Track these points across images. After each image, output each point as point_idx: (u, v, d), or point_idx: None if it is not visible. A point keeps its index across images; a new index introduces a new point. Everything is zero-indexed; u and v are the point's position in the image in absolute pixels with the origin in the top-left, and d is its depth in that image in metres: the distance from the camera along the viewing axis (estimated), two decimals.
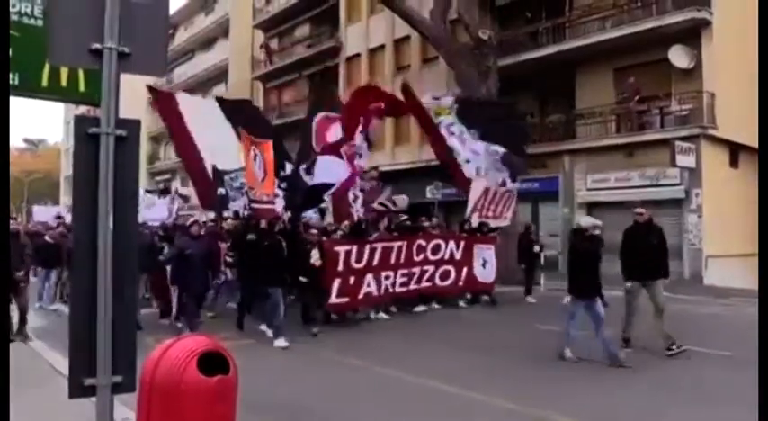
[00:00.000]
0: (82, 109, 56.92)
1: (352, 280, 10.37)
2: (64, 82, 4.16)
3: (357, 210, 11.50)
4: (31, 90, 4.07)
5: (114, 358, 2.35)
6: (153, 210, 16.79)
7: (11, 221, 9.02)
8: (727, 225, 16.76)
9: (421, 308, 11.82)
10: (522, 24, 21.54)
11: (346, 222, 11.50)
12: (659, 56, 17.20)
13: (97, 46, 2.42)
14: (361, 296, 10.64)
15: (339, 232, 11.18)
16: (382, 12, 24.54)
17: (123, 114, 2.54)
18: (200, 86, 40.68)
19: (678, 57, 17.07)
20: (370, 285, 10.70)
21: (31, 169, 66.47)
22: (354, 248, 10.51)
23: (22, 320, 9.02)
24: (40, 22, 4.13)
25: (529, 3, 21.11)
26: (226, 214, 13.37)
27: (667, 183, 17.01)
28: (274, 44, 34.69)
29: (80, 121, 2.43)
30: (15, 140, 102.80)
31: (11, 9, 4.04)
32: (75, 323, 2.40)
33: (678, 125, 17.16)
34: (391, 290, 11.18)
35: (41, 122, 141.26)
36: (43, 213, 22.21)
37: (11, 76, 3.99)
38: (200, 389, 3.29)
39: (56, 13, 2.45)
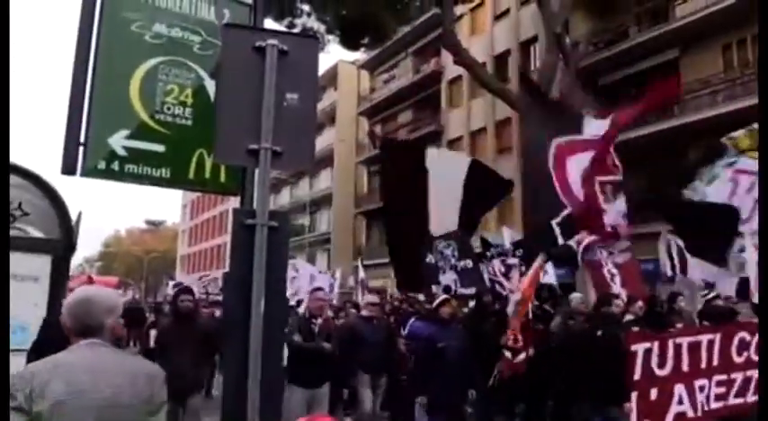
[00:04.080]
0: (197, 194, 60.72)
1: (654, 394, 6.64)
2: (207, 174, 4.60)
3: (618, 291, 8.75)
4: (181, 182, 4.52)
5: None
6: (315, 284, 16.19)
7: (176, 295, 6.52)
8: None
9: None
10: (627, 101, 21.30)
11: (640, 303, 8.45)
12: None
13: (254, 146, 2.71)
14: (670, 418, 6.84)
15: (628, 317, 7.66)
16: (483, 95, 25.15)
17: None
18: (307, 170, 42.80)
19: None
20: (682, 401, 6.88)
21: (150, 249, 71.41)
22: (656, 345, 6.68)
23: None
24: (189, 122, 4.62)
25: (634, 80, 20.94)
26: (434, 289, 10.00)
27: None
28: (378, 130, 36.18)
29: (238, 214, 2.69)
30: (138, 222, 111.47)
31: (166, 111, 4.57)
32: (226, 401, 2.57)
33: None
34: (707, 407, 7.22)
35: (162, 205, 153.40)
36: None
37: (163, 169, 4.47)
38: None
39: (221, 119, 2.77)
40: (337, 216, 38.34)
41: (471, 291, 9.22)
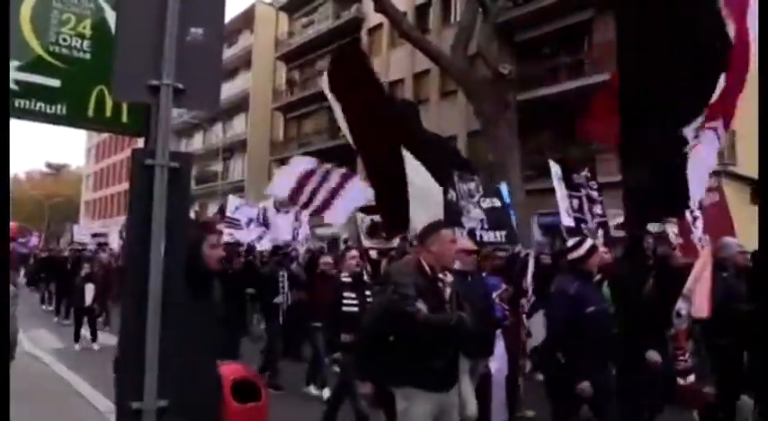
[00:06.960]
0: (104, 136, 57.84)
1: None
2: (108, 113, 4.32)
3: (700, 239, 6.98)
4: (79, 120, 4.22)
5: (161, 381, 2.43)
6: (277, 229, 12.89)
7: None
8: None
9: None
10: (541, 60, 21.80)
11: None
12: None
13: (155, 82, 2.56)
14: None
15: None
16: (402, 45, 24.99)
17: None
18: (220, 115, 41.39)
19: None
20: None
21: (52, 193, 67.55)
22: None
23: None
24: (88, 56, 4.31)
25: (548, 39, 21.40)
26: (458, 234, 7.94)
27: None
28: (296, 75, 35.36)
29: (137, 153, 2.56)
30: (38, 164, 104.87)
31: (62, 43, 4.24)
32: (124, 346, 2.50)
33: None
34: None
35: (64, 148, 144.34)
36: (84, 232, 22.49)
37: (59, 106, 4.17)
38: (234, 415, 3.40)
39: (120, 52, 2.61)
40: (252, 163, 37.55)
41: (500, 234, 7.73)
